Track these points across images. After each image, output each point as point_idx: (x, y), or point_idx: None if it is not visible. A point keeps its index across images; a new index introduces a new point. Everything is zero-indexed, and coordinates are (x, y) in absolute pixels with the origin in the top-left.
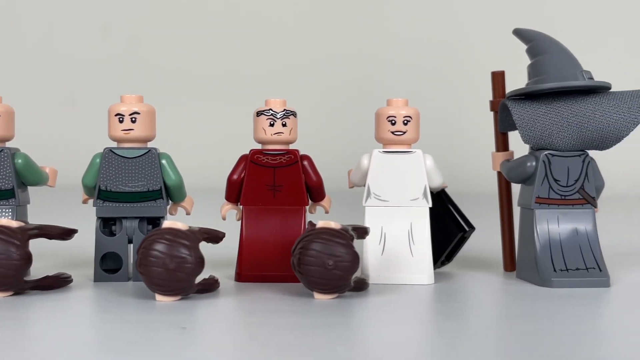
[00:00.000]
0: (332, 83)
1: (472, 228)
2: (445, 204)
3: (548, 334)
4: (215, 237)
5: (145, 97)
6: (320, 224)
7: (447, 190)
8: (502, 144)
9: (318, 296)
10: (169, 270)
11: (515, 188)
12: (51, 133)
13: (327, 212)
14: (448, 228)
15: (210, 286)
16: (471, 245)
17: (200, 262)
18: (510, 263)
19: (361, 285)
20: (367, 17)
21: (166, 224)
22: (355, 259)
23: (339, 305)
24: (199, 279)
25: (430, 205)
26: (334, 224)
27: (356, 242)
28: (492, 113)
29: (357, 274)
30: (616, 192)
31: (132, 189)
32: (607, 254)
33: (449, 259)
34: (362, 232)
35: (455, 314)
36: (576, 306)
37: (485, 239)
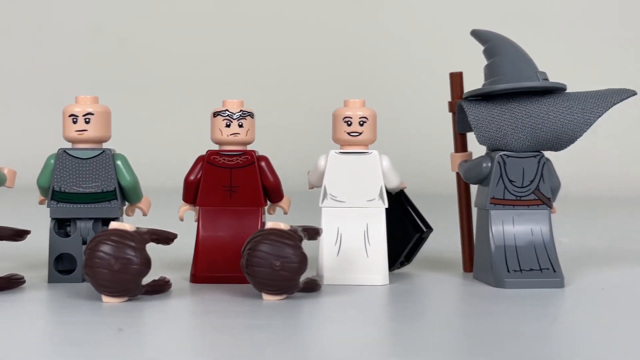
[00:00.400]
0: (291, 84)
1: (429, 229)
2: (403, 205)
3: (498, 335)
4: (165, 238)
5: (101, 97)
6: (269, 225)
7: (406, 191)
8: (460, 145)
9: (267, 297)
10: (114, 271)
11: (475, 189)
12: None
13: (286, 213)
14: (406, 229)
15: (160, 287)
16: (432, 246)
17: (146, 264)
18: (469, 264)
19: (312, 286)
20: (326, 17)
21: (113, 225)
22: (303, 260)
23: (287, 306)
24: (147, 279)
25: (387, 206)
26: (283, 225)
27: (313, 243)
28: (450, 114)
29: (313, 274)
30: (577, 193)
31: (86, 190)
32: (564, 255)
33: (408, 259)
34: (314, 232)
35: (408, 315)
36: (528, 306)
37: (446, 239)
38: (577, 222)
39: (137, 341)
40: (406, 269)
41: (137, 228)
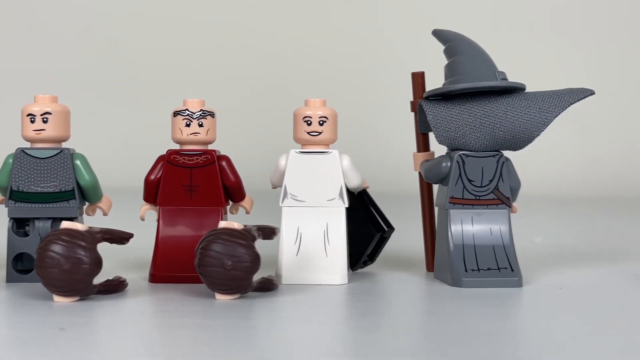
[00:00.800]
0: (254, 84)
1: (391, 228)
2: (366, 205)
3: (453, 334)
4: (119, 238)
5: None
6: (222, 224)
7: (368, 190)
8: (422, 144)
9: (219, 297)
10: (63, 270)
11: (437, 188)
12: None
13: (248, 212)
14: (368, 228)
15: (114, 287)
16: (397, 246)
17: (97, 263)
18: (432, 263)
19: (268, 286)
20: (289, 16)
21: (64, 224)
22: (255, 260)
23: (240, 305)
24: (100, 279)
25: (347, 205)
26: (236, 225)
27: (274, 243)
28: (413, 114)
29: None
30: (543, 192)
31: (44, 190)
32: (533, 254)
33: (371, 259)
34: (269, 232)
35: (362, 314)
36: (483, 306)
37: (411, 239)
38: (556, 222)
39: (81, 341)
40: (369, 268)
41: (90, 228)
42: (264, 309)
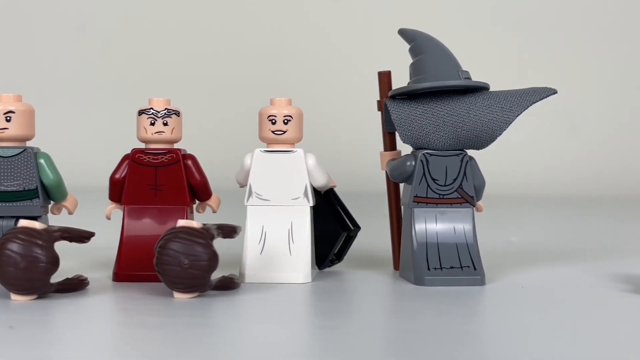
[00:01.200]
0: (221, 83)
1: (357, 227)
2: (332, 204)
3: (413, 332)
4: (79, 236)
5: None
6: (181, 223)
7: (335, 189)
8: (389, 143)
9: (177, 295)
10: (20, 269)
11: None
12: None
13: (214, 211)
14: (334, 227)
15: (74, 285)
16: (366, 245)
17: (53, 262)
18: (398, 262)
19: (229, 284)
20: (255, 14)
21: (21, 223)
22: (213, 258)
23: (199, 304)
24: (55, 278)
25: (312, 204)
26: (195, 224)
27: (238, 242)
28: (380, 113)
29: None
30: (529, 191)
31: (7, 188)
32: (505, 253)
33: (339, 257)
34: (230, 231)
35: (324, 313)
36: (445, 304)
37: (379, 238)
38: (535, 221)
39: (35, 338)
40: (337, 267)
41: (48, 226)
42: (223, 308)
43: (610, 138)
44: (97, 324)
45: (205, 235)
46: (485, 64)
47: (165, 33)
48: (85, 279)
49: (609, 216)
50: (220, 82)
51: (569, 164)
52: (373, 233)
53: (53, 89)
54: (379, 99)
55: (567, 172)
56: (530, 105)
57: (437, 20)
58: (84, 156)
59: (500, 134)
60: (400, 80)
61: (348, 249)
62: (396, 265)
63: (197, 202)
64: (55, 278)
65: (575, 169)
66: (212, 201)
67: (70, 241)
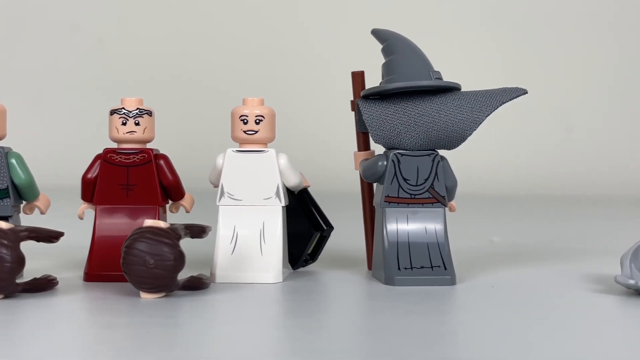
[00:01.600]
0: (195, 83)
1: (330, 227)
2: (306, 204)
3: (382, 332)
4: (47, 236)
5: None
6: (147, 223)
7: (309, 189)
8: (363, 143)
9: (144, 295)
10: None
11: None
12: None
13: (188, 211)
14: (307, 227)
15: (42, 285)
16: (341, 244)
17: (19, 262)
18: (372, 262)
19: (198, 284)
20: (232, 16)
21: None
22: (179, 258)
23: (166, 304)
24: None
25: (284, 204)
26: (162, 224)
27: (209, 242)
28: (353, 113)
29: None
30: (502, 192)
31: None
32: (466, 253)
33: (313, 257)
34: (199, 231)
35: (294, 313)
36: (415, 304)
37: (355, 238)
38: (520, 222)
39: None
40: (311, 267)
41: (14, 226)
42: (191, 308)
43: (598, 138)
44: (61, 324)
45: (171, 235)
46: (478, 63)
47: (138, 34)
48: (54, 279)
49: (593, 216)
50: (195, 82)
51: (561, 163)
52: (348, 233)
53: (23, 88)
54: (352, 99)
55: (559, 172)
56: (500, 105)
57: (413, 20)
58: (57, 156)
59: (470, 134)
60: (375, 80)
61: (322, 249)
62: (370, 265)
63: (170, 202)
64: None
65: (567, 168)
66: (185, 201)
67: (38, 241)
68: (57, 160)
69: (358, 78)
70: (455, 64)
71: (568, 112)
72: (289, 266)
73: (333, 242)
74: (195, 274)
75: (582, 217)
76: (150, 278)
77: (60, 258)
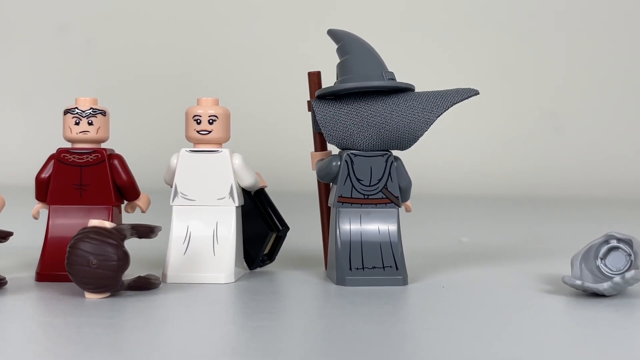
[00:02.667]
0: (150, 82)
1: (286, 227)
2: (262, 204)
3: (331, 332)
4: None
5: None
6: (92, 223)
7: (266, 189)
8: (319, 143)
9: (88, 295)
10: None
11: None
12: None
13: (143, 211)
14: (263, 228)
15: None
16: (300, 245)
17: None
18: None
19: (145, 284)
20: (188, 15)
21: None
22: (123, 259)
23: (111, 304)
24: None
25: (237, 204)
26: (107, 224)
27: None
28: (310, 113)
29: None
30: (472, 192)
31: None
32: (424, 254)
33: (270, 258)
34: (147, 231)
35: (243, 313)
36: (365, 305)
37: (314, 238)
38: (496, 221)
39: None
40: (268, 267)
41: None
42: (136, 308)
43: (587, 139)
44: (6, 325)
45: (116, 235)
46: (465, 64)
47: (93, 30)
48: (3, 279)
49: (571, 217)
50: (150, 81)
51: (549, 164)
52: (307, 233)
53: (10, 89)
54: (309, 99)
55: (550, 174)
56: (452, 105)
57: (374, 20)
58: (11, 155)
59: (422, 135)
60: (332, 80)
61: (279, 249)
62: (327, 265)
63: (125, 202)
64: None
65: (556, 169)
66: (140, 201)
67: None
68: (7, 160)
69: (314, 78)
70: (441, 64)
71: (557, 112)
72: (245, 266)
73: (292, 243)
74: (143, 274)
75: (560, 218)
76: (94, 278)
77: (15, 258)
